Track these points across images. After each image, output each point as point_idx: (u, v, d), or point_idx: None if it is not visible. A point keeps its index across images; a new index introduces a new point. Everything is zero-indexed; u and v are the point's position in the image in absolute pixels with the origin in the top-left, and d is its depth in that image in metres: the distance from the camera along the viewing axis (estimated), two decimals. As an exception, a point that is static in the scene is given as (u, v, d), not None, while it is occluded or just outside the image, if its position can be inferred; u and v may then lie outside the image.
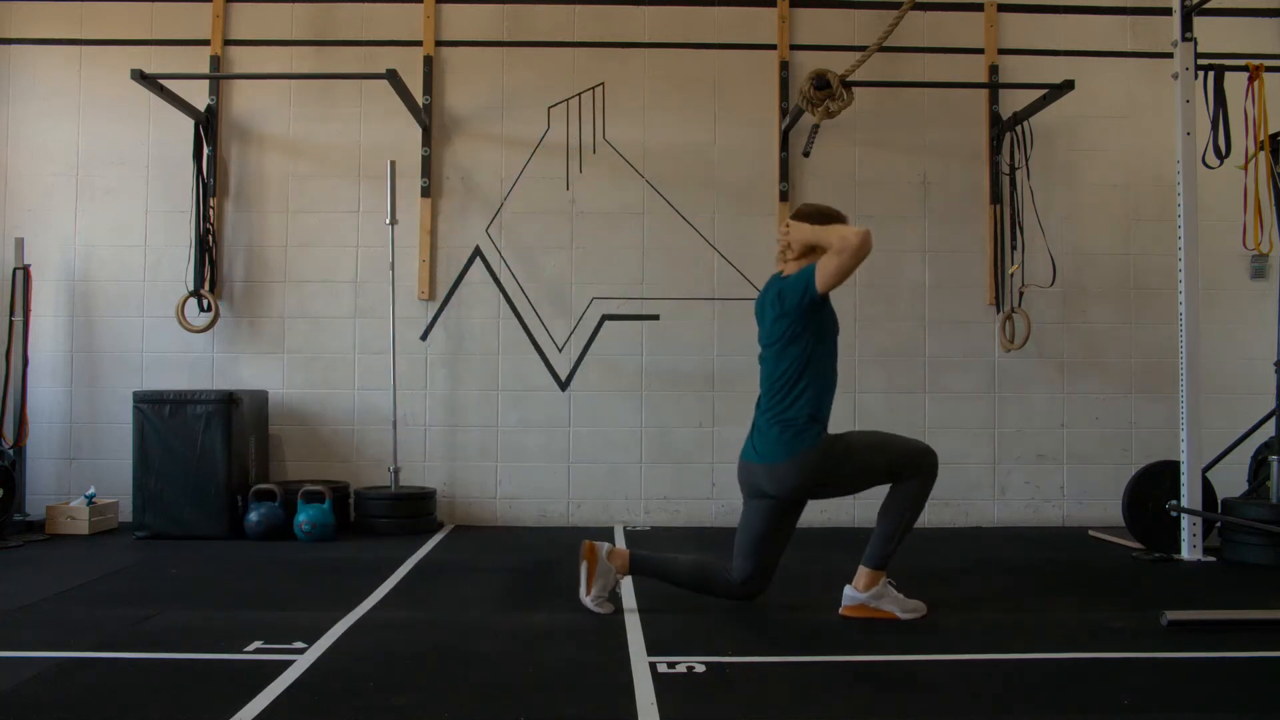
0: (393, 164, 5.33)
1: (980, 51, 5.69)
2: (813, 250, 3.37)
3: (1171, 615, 3.29)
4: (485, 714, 2.47)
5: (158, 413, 5.04)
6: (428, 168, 5.57)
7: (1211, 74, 4.72)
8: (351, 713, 2.45)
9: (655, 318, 5.59)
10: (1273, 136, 4.80)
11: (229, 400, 5.06)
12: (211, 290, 5.46)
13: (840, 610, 3.43)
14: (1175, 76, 4.59)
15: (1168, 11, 4.73)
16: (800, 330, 3.35)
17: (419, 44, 5.60)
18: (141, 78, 4.95)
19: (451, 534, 5.21)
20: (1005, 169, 5.64)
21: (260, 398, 5.43)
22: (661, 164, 5.64)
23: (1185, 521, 4.51)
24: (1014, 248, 5.58)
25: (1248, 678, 2.81)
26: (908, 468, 3.39)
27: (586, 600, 3.44)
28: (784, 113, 5.60)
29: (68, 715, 2.42)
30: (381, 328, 5.45)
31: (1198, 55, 4.58)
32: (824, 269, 3.22)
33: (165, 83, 5.13)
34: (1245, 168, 4.80)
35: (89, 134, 5.58)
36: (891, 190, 5.66)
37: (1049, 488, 5.62)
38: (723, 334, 5.59)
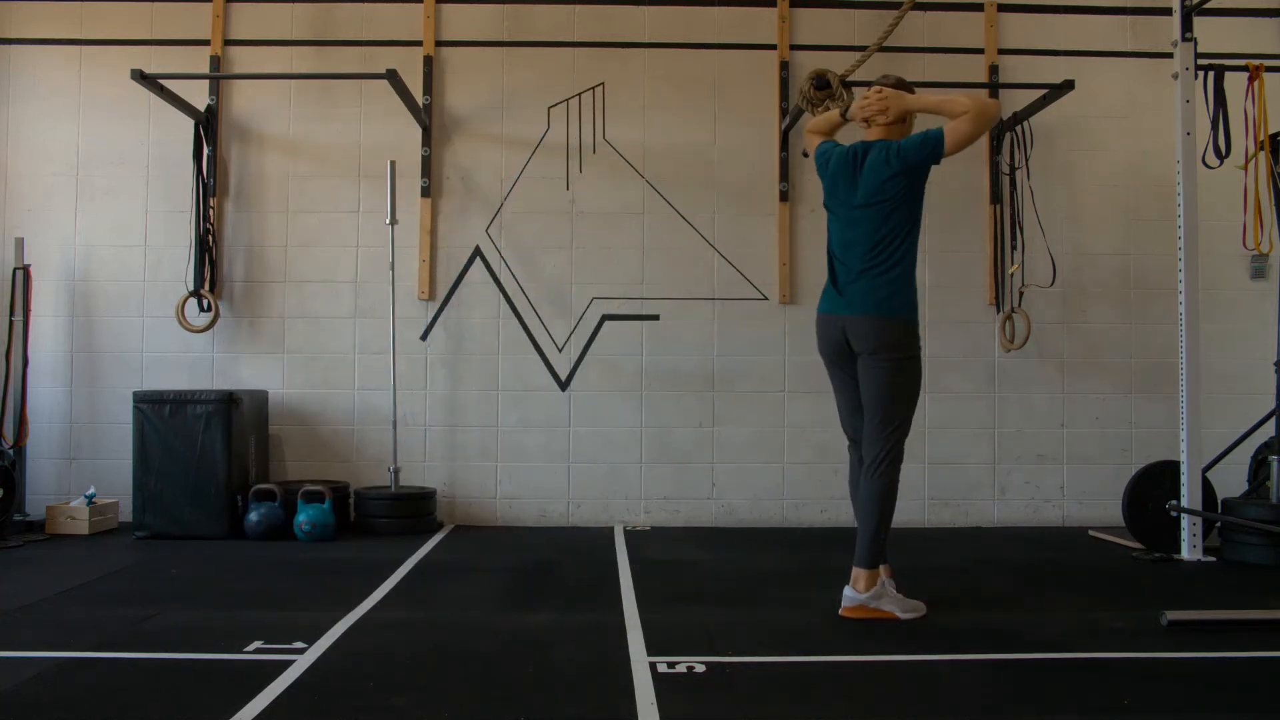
0: (393, 164, 5.33)
1: (980, 51, 5.69)
2: (902, 120, 3.53)
3: (1171, 615, 3.29)
4: (485, 714, 2.47)
5: (158, 413, 5.04)
6: (428, 168, 5.57)
7: (1211, 74, 4.73)
8: (351, 713, 2.45)
9: (655, 318, 5.59)
10: (1273, 136, 4.80)
11: (229, 400, 5.06)
12: (211, 290, 5.46)
13: (840, 611, 3.42)
14: (1175, 76, 4.59)
15: (1168, 11, 4.73)
16: (918, 190, 3.48)
17: (419, 44, 5.60)
18: (141, 78, 4.95)
19: (451, 534, 5.21)
20: (1005, 169, 5.64)
21: (260, 398, 5.43)
22: (661, 164, 5.64)
23: (1185, 521, 4.51)
24: (1014, 248, 5.58)
25: (1248, 678, 2.81)
26: (896, 440, 3.43)
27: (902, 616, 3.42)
28: (784, 113, 5.60)
29: (68, 715, 2.42)
30: (381, 328, 5.45)
31: (1198, 55, 4.58)
32: (958, 130, 3.33)
33: (165, 83, 5.14)
34: (1245, 168, 4.80)
35: (89, 134, 5.58)
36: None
37: (1049, 488, 5.62)
38: (723, 334, 5.59)
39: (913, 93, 3.57)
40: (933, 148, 3.38)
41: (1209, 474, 4.66)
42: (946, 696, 2.63)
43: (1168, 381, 5.35)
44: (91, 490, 5.19)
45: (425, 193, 5.56)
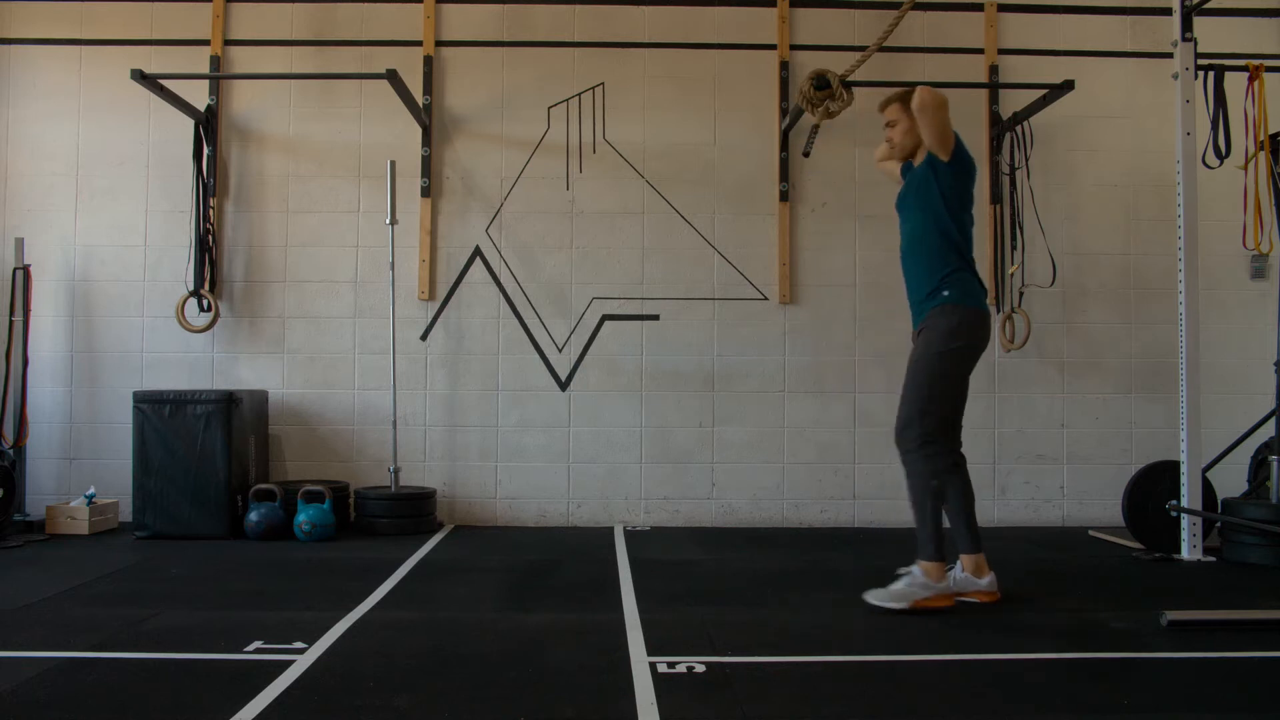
0: (393, 164, 5.33)
1: (980, 51, 5.69)
2: (916, 144, 3.80)
3: (1171, 615, 3.30)
4: (485, 714, 2.47)
5: (158, 413, 5.04)
6: (428, 168, 5.57)
7: (1211, 74, 4.72)
8: (351, 713, 2.45)
9: (655, 318, 5.59)
10: (1273, 136, 4.80)
11: (229, 400, 5.06)
12: (211, 290, 5.46)
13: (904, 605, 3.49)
14: (1175, 76, 4.59)
15: (1168, 11, 4.74)
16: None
17: (419, 44, 5.61)
18: (141, 78, 4.95)
19: (451, 534, 5.21)
20: (1005, 169, 5.64)
21: (260, 398, 5.43)
22: (661, 164, 5.64)
23: (1185, 521, 4.51)
24: (1014, 248, 5.58)
25: (1248, 678, 2.81)
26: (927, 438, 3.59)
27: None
28: (784, 113, 5.60)
29: (67, 715, 2.42)
30: (381, 328, 5.45)
31: (1198, 55, 4.58)
32: (928, 138, 3.60)
33: (165, 83, 5.14)
34: (1245, 168, 4.80)
35: (89, 134, 5.58)
36: (891, 190, 5.56)
37: (1049, 488, 5.62)
38: (723, 334, 5.60)
39: (909, 103, 3.68)
40: (936, 164, 3.68)
41: (1209, 474, 4.66)
42: (946, 696, 2.63)
43: (1168, 381, 5.36)
44: (91, 490, 5.19)
45: (425, 193, 5.56)
